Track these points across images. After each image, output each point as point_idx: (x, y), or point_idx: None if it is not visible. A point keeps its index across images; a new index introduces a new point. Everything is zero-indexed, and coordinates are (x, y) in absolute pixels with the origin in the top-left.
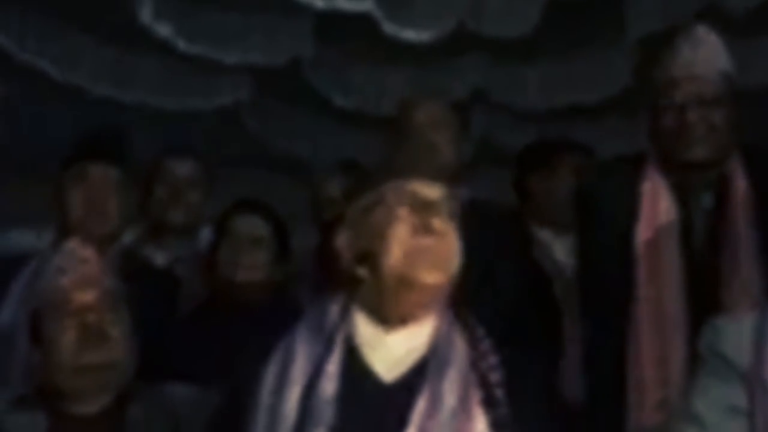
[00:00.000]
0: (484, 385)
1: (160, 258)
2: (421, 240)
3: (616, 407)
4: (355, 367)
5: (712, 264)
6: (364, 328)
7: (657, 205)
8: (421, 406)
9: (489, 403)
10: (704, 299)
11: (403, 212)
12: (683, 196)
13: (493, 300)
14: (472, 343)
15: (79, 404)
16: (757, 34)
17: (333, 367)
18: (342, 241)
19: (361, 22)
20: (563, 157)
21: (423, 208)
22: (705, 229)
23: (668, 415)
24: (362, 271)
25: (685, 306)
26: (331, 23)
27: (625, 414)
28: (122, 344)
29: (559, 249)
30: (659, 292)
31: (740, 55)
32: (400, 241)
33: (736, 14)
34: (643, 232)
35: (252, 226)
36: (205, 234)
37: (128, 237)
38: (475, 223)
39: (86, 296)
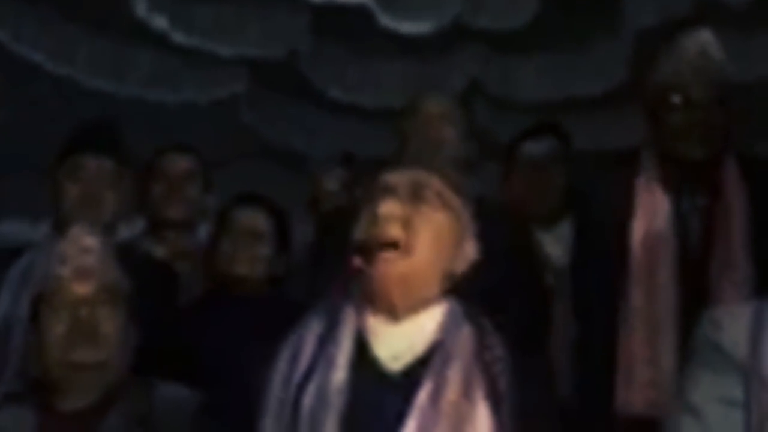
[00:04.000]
0: (489, 376)
1: (159, 253)
2: (372, 228)
3: (605, 399)
4: (362, 357)
5: (705, 260)
6: (370, 320)
7: (653, 203)
8: (423, 396)
9: (493, 395)
10: (697, 293)
11: (369, 202)
12: (677, 195)
13: (504, 298)
14: (479, 335)
15: (67, 400)
16: (756, 28)
17: (342, 357)
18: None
19: (358, 14)
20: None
21: (380, 194)
22: (699, 227)
23: (656, 395)
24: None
25: (677, 300)
26: (328, 16)
27: (613, 406)
28: (114, 342)
29: (549, 242)
30: (653, 285)
31: (739, 49)
32: (360, 231)
33: (735, 8)
34: (638, 230)
35: (252, 219)
36: (205, 229)
37: (128, 231)
38: (481, 220)
39: (83, 288)
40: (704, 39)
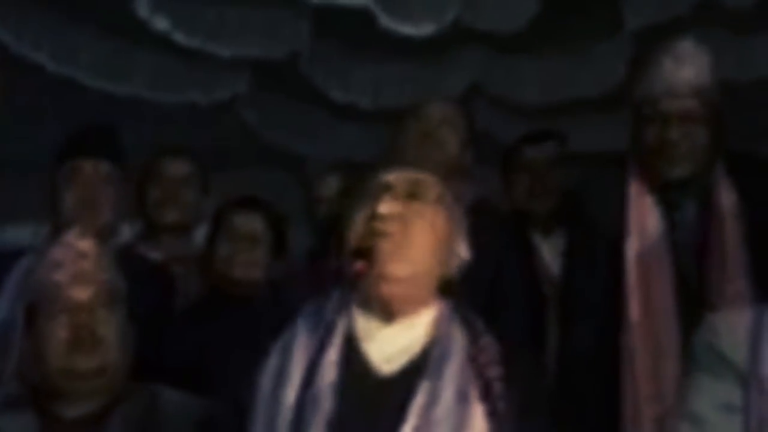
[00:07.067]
0: (483, 378)
1: (155, 256)
2: (371, 227)
3: (585, 407)
4: (352, 360)
5: (700, 275)
6: (361, 322)
7: (644, 220)
8: (419, 400)
9: (487, 397)
10: (694, 311)
11: (378, 204)
12: (667, 209)
13: (501, 301)
14: (472, 337)
15: (70, 406)
16: (756, 28)
17: (332, 359)
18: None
19: (359, 16)
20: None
21: (378, 193)
22: (691, 241)
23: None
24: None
25: (677, 322)
26: (329, 17)
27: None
28: (114, 347)
29: (547, 251)
30: (651, 309)
31: (739, 49)
32: (357, 233)
33: (735, 9)
34: (632, 246)
35: (250, 222)
36: (202, 232)
37: (126, 235)
38: (479, 224)
39: (81, 294)
40: (683, 51)
